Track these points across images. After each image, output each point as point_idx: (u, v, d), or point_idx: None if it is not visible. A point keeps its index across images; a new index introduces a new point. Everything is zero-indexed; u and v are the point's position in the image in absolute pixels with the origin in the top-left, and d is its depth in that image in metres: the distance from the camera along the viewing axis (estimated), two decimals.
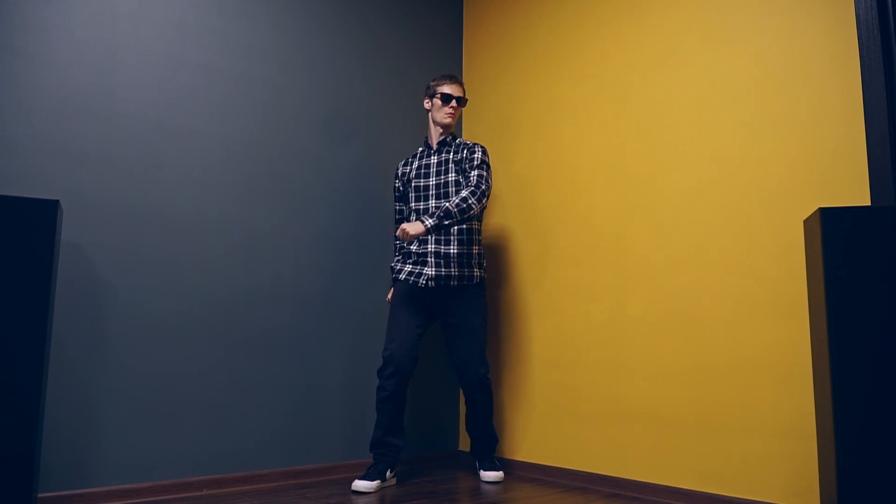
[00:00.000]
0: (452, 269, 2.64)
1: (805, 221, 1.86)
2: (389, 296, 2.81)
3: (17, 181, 2.15)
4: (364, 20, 3.09)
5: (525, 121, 3.10)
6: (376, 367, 2.95)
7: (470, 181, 2.61)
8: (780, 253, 2.18)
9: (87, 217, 2.28)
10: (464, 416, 3.21)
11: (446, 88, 2.73)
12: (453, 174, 2.68)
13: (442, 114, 2.72)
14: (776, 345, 2.15)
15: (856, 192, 2.02)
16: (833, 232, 1.68)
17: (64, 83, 2.27)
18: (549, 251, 2.90)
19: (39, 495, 2.10)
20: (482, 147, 2.72)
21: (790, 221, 2.16)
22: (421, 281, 2.62)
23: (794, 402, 2.09)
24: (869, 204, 1.98)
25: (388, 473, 2.55)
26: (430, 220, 2.44)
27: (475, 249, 2.71)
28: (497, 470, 2.70)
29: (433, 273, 2.62)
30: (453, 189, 2.67)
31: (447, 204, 2.49)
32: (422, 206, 2.71)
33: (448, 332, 2.67)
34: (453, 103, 2.72)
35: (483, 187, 2.59)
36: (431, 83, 2.77)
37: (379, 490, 2.48)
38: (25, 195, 2.14)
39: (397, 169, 2.85)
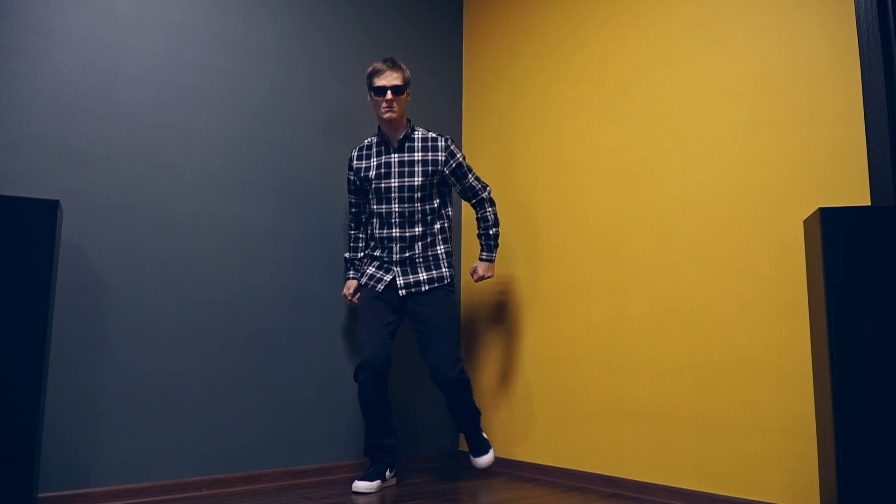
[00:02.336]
0: (421, 275, 2.58)
1: (805, 221, 1.86)
2: (347, 290, 2.69)
3: (17, 181, 2.15)
4: (364, 20, 3.09)
5: (525, 120, 3.10)
6: None
7: (475, 191, 2.66)
8: (780, 253, 2.18)
9: (87, 217, 2.28)
10: None
11: (376, 80, 2.51)
12: (419, 178, 2.55)
13: (380, 110, 2.52)
14: (776, 345, 2.15)
15: (856, 192, 2.02)
16: (833, 232, 1.68)
17: (64, 83, 2.27)
18: (548, 251, 2.90)
19: (39, 495, 2.10)
20: (451, 141, 2.60)
21: (790, 221, 2.16)
22: (379, 287, 2.58)
23: (794, 402, 2.09)
24: (869, 204, 1.98)
25: (387, 473, 2.55)
26: (493, 254, 2.69)
27: (440, 249, 2.61)
28: (484, 454, 2.65)
29: (402, 282, 2.57)
30: (418, 194, 2.56)
31: (490, 231, 2.67)
32: (384, 210, 2.57)
33: (418, 333, 2.56)
34: (388, 95, 2.49)
35: (488, 189, 2.69)
36: (366, 75, 2.57)
37: (379, 490, 2.49)
38: (25, 195, 2.14)
39: (351, 160, 2.68)
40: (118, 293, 2.32)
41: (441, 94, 3.35)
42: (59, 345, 2.19)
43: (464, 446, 3.19)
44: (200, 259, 2.51)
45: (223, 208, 2.58)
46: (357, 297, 2.68)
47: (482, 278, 2.70)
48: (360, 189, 2.68)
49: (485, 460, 2.66)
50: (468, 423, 2.66)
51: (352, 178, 2.68)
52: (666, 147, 2.53)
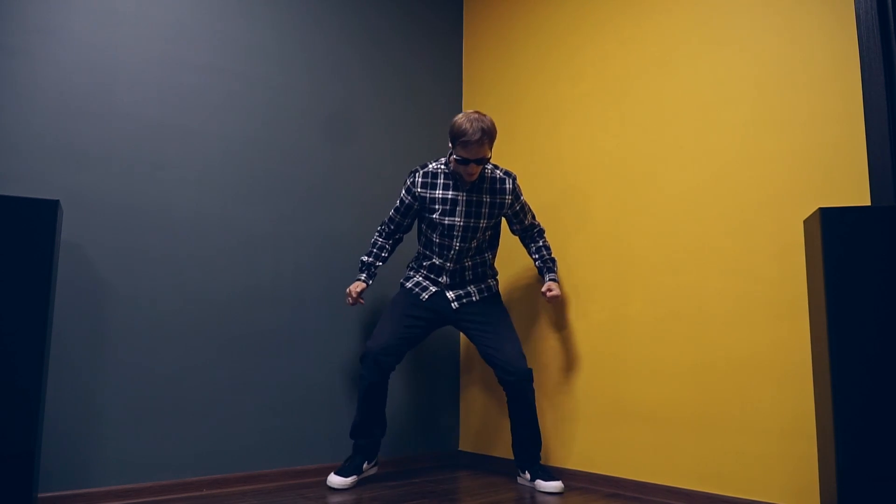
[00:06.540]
0: (470, 287, 2.63)
1: (805, 221, 1.86)
2: (355, 288, 2.59)
3: (17, 181, 2.15)
4: (364, 20, 3.09)
5: (525, 120, 3.10)
6: None
7: (534, 225, 2.70)
8: (780, 253, 2.18)
9: (87, 217, 2.28)
10: (464, 416, 3.21)
11: (461, 152, 2.39)
12: (485, 220, 2.53)
13: (462, 172, 2.45)
14: (776, 345, 2.15)
15: (856, 192, 2.02)
16: (833, 232, 1.68)
17: (64, 83, 2.27)
18: None
19: (39, 495, 2.10)
20: (516, 183, 2.58)
21: (790, 221, 2.16)
22: (424, 295, 2.60)
23: (794, 402, 2.09)
24: (869, 204, 1.98)
25: (365, 465, 2.56)
26: (556, 275, 2.67)
27: (489, 270, 2.68)
28: (557, 479, 2.52)
29: (453, 295, 2.60)
30: (481, 235, 2.56)
31: (553, 258, 2.68)
32: (445, 243, 2.55)
33: (480, 335, 2.55)
34: (470, 168, 2.43)
35: (543, 227, 2.83)
36: (453, 127, 2.40)
37: (355, 485, 2.49)
38: (25, 195, 2.14)
39: (413, 185, 2.56)
40: (118, 293, 2.32)
41: (441, 94, 3.35)
42: (59, 345, 2.19)
43: (465, 445, 3.19)
44: (200, 259, 2.51)
45: (223, 208, 2.58)
46: (360, 299, 2.61)
47: (557, 297, 2.58)
48: (411, 212, 2.62)
49: (556, 485, 2.47)
50: (535, 430, 2.56)
51: (408, 200, 2.59)
52: (666, 147, 2.53)
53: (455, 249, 2.55)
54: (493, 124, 2.41)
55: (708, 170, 2.39)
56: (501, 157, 3.19)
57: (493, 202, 2.55)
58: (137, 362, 2.33)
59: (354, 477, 2.50)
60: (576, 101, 2.88)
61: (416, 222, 2.81)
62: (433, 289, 2.61)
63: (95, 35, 2.35)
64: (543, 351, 2.88)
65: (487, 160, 2.44)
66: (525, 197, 3.04)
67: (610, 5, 2.79)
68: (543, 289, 2.61)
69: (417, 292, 2.62)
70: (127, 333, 2.32)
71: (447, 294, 2.61)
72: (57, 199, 2.05)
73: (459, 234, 2.53)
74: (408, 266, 2.75)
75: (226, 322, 2.54)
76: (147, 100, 2.44)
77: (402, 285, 2.69)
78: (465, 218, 2.52)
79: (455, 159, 2.44)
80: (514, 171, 3.11)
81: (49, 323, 1.89)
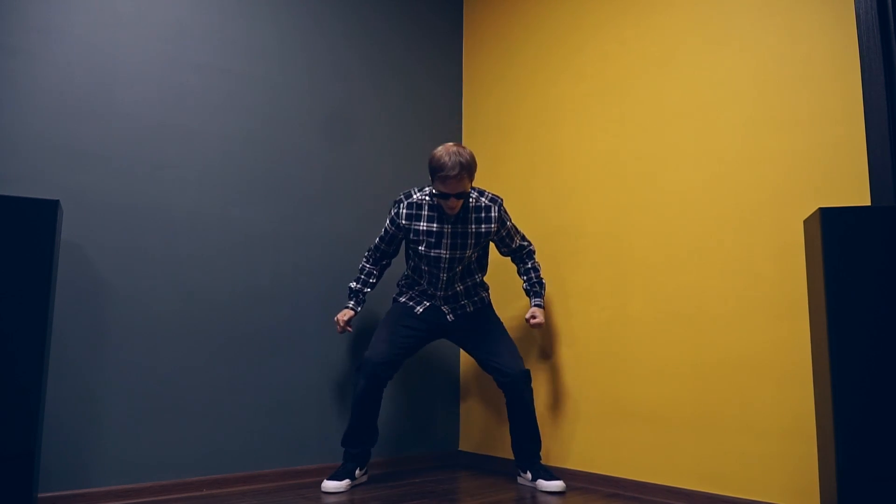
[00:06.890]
0: (463, 300, 2.64)
1: (805, 221, 1.86)
2: (343, 316, 2.62)
3: (17, 181, 2.15)
4: (364, 20, 3.09)
5: (525, 120, 3.10)
6: None
7: (523, 247, 2.67)
8: (780, 253, 2.18)
9: (87, 217, 2.28)
10: (464, 416, 3.21)
11: (440, 186, 2.38)
12: (470, 249, 2.52)
13: (443, 206, 2.44)
14: (776, 345, 2.15)
15: (856, 192, 2.02)
16: (833, 232, 1.68)
17: (64, 83, 2.27)
18: (548, 251, 2.90)
19: (39, 495, 2.10)
20: (502, 209, 2.54)
21: (790, 221, 2.16)
22: (418, 309, 2.61)
23: (794, 402, 2.09)
24: (869, 204, 1.98)
25: (357, 472, 2.54)
26: (542, 299, 2.65)
27: (480, 288, 2.68)
28: (559, 479, 2.52)
29: (447, 308, 2.62)
30: (467, 264, 2.57)
31: (542, 279, 2.67)
32: (433, 272, 2.56)
33: (477, 341, 2.58)
34: (451, 202, 2.42)
35: (533, 245, 2.76)
36: (431, 161, 2.38)
37: (349, 490, 2.48)
38: (25, 195, 2.14)
39: (398, 216, 2.54)
40: (118, 293, 2.32)
41: (441, 94, 3.35)
42: (59, 345, 2.19)
43: (464, 445, 3.19)
44: (200, 259, 2.51)
45: (223, 208, 2.58)
46: (348, 327, 2.63)
47: (540, 324, 2.59)
48: (396, 241, 2.63)
49: (558, 484, 2.47)
50: (534, 431, 2.57)
51: (392, 230, 2.59)
52: (666, 147, 2.53)
53: (443, 280, 2.57)
54: (472, 157, 2.39)
55: (708, 170, 2.39)
56: (501, 157, 3.20)
57: (479, 231, 2.53)
58: (137, 362, 2.33)
59: (348, 481, 2.48)
60: (576, 101, 2.88)
61: (403, 245, 2.81)
62: (427, 303, 2.63)
63: (95, 35, 2.35)
64: (543, 351, 2.88)
65: (467, 194, 2.43)
66: (524, 198, 3.04)
67: (610, 5, 2.79)
68: (527, 315, 2.61)
69: (412, 305, 2.63)
70: (126, 333, 2.32)
71: (442, 308, 2.63)
72: (57, 199, 2.05)
73: (446, 265, 2.54)
74: (398, 284, 2.74)
75: (225, 322, 2.54)
76: (147, 100, 2.44)
77: (396, 300, 2.69)
78: (450, 250, 2.51)
79: (434, 193, 2.45)
80: (515, 171, 3.11)
81: (49, 323, 1.89)
